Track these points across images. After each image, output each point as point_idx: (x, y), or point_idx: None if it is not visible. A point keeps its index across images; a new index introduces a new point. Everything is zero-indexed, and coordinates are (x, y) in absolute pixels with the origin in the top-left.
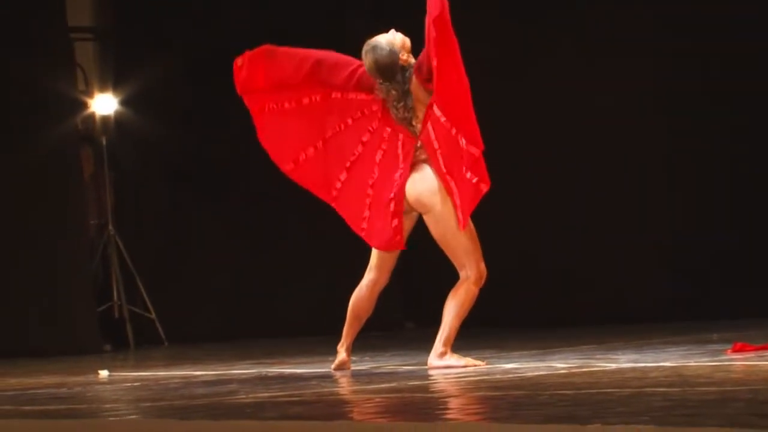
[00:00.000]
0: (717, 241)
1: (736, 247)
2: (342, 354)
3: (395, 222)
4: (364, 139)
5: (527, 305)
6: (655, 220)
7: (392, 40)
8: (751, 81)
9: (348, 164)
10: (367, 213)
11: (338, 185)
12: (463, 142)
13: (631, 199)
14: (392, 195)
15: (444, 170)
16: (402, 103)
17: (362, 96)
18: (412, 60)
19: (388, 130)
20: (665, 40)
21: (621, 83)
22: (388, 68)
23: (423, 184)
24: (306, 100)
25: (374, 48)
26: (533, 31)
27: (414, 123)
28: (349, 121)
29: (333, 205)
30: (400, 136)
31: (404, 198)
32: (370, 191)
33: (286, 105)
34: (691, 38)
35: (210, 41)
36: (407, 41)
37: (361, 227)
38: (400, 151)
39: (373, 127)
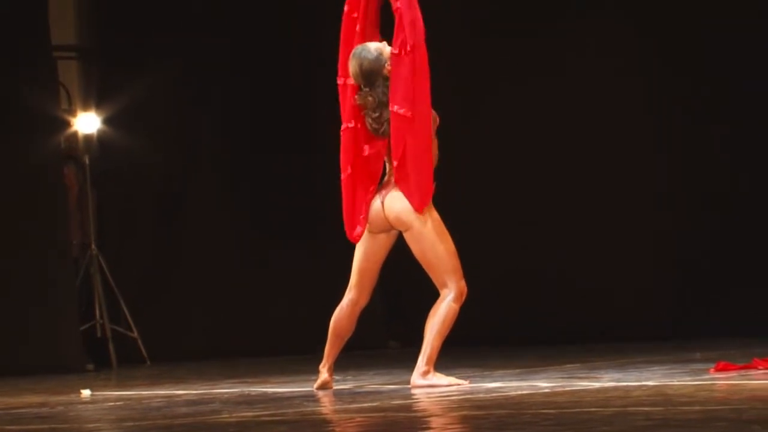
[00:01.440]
0: (699, 261)
1: (719, 268)
2: (324, 374)
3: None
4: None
5: (510, 324)
6: (638, 241)
7: (382, 48)
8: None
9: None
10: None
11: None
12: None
13: (612, 221)
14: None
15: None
16: (377, 114)
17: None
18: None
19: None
20: (649, 47)
21: (608, 91)
22: (371, 73)
23: (401, 203)
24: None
25: (362, 50)
26: (517, 43)
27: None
28: None
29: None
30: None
31: (380, 217)
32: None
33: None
34: (674, 45)
35: (192, 60)
36: None
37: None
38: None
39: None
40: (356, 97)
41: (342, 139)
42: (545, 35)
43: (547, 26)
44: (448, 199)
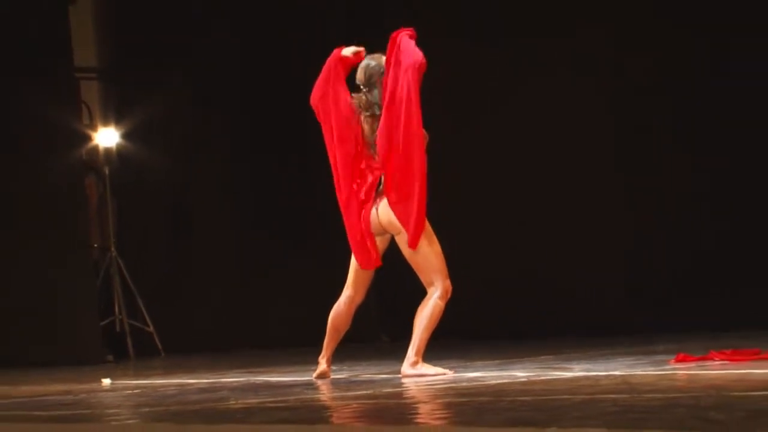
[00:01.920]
0: (661, 261)
1: (678, 270)
2: (323, 365)
3: (369, 243)
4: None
5: (491, 319)
6: (608, 243)
7: (383, 61)
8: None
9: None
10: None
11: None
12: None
13: (584, 228)
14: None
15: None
16: (369, 113)
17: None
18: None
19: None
20: (614, 54)
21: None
22: (373, 74)
23: None
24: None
25: (373, 56)
26: (505, 54)
27: (375, 147)
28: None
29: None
30: (367, 165)
31: (375, 222)
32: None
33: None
34: (641, 51)
35: (203, 81)
36: None
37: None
38: (369, 179)
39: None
40: (354, 98)
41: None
42: (534, 48)
43: (537, 40)
44: (437, 207)
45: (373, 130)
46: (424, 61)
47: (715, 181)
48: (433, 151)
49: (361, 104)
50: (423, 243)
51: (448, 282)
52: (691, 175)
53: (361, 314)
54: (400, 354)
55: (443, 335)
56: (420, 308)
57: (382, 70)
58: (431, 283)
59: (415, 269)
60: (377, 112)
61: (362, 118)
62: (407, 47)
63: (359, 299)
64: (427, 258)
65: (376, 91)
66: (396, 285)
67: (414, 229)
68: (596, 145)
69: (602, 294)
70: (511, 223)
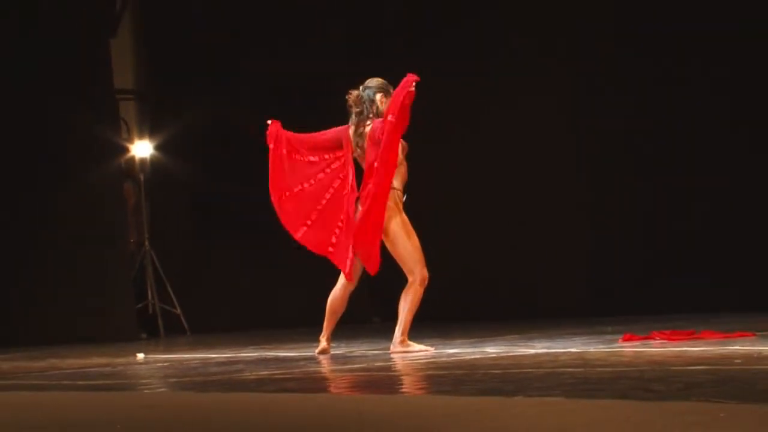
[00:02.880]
0: (613, 256)
1: (625, 261)
2: (323, 343)
3: (375, 247)
4: (335, 184)
5: (467, 305)
6: (568, 241)
7: (386, 88)
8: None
9: (320, 206)
10: (334, 239)
11: (309, 222)
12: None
13: (550, 224)
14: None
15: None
16: (359, 109)
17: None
18: (380, 110)
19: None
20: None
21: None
22: (370, 87)
23: None
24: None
25: (373, 79)
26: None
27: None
28: (323, 175)
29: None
30: (352, 174)
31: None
32: (340, 224)
33: (300, 187)
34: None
35: (227, 101)
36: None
37: (329, 251)
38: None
39: (341, 175)
40: (351, 92)
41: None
42: (495, 77)
43: (498, 69)
44: (423, 208)
45: (360, 136)
46: (397, 116)
47: (660, 186)
48: (425, 157)
49: (352, 99)
50: (403, 238)
51: (425, 271)
52: (636, 184)
53: (356, 299)
54: (389, 333)
55: (428, 318)
56: (403, 294)
57: (383, 87)
58: (411, 272)
59: (397, 260)
60: (365, 113)
61: (351, 130)
62: (396, 99)
63: (352, 286)
64: (407, 250)
65: (369, 92)
66: (387, 272)
67: (366, 262)
68: (559, 153)
69: (563, 284)
70: (489, 223)
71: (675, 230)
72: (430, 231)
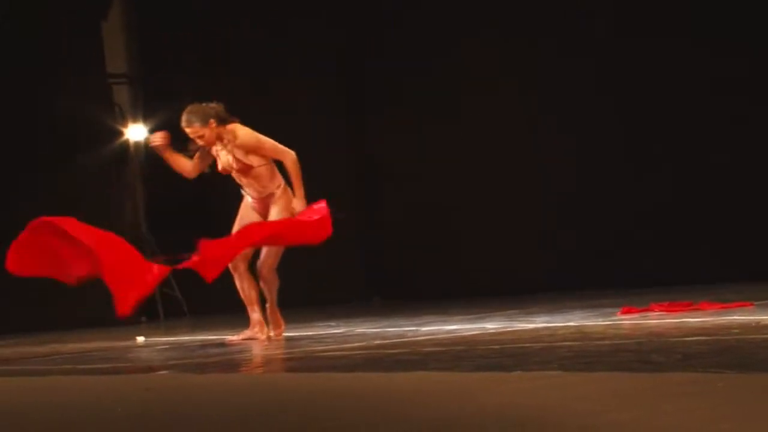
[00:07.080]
0: (611, 228)
1: (624, 235)
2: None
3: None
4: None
5: (467, 282)
6: (565, 220)
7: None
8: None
9: None
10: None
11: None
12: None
13: (549, 206)
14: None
15: None
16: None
17: None
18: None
19: None
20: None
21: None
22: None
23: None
24: None
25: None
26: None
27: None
28: None
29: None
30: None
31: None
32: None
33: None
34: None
35: (217, 85)
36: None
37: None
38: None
39: None
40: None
41: None
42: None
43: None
44: (442, 195)
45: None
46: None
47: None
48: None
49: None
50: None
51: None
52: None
53: (355, 279)
54: (389, 313)
55: (427, 296)
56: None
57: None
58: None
59: (269, 251)
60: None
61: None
62: (311, 214)
63: (239, 272)
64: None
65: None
66: (389, 254)
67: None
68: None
69: (559, 262)
70: (498, 209)
71: (674, 203)
72: (454, 221)
